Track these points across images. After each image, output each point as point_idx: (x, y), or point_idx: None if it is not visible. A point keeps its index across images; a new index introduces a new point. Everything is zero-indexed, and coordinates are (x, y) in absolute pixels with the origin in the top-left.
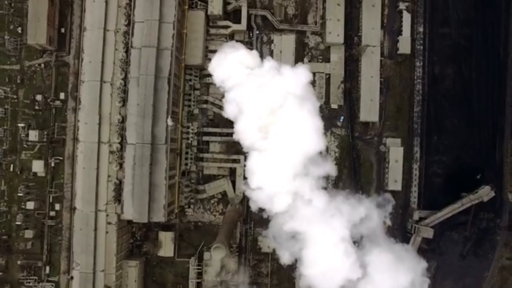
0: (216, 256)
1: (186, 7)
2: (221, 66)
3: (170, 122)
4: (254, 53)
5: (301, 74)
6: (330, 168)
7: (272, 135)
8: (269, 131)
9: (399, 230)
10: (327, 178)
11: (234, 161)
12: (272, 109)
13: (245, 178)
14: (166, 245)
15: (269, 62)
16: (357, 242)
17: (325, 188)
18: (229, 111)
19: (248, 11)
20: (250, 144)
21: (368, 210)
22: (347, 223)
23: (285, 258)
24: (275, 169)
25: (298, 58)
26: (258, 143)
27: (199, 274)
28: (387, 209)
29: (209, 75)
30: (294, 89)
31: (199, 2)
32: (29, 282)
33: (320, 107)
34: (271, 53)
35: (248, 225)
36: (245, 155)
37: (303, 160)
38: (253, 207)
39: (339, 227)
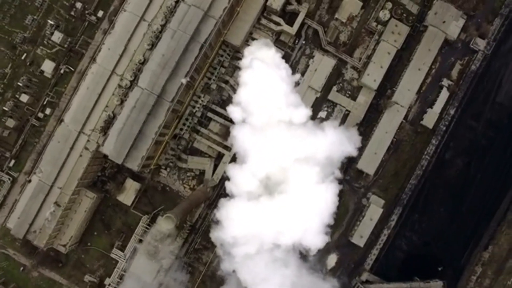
0: (164, 225)
1: None
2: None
3: (184, 81)
4: (307, 111)
5: (348, 143)
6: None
7: (273, 193)
8: (272, 187)
9: (342, 281)
10: None
11: (226, 147)
12: (286, 168)
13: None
14: (128, 193)
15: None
16: None
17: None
18: (234, 144)
19: (304, 19)
20: (242, 191)
21: None
22: None
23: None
24: (258, 225)
25: (328, 84)
26: (252, 194)
27: (145, 233)
28: None
29: (240, 59)
30: (325, 155)
31: None
32: None
33: None
34: (306, 67)
35: (210, 210)
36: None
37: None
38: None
39: None
